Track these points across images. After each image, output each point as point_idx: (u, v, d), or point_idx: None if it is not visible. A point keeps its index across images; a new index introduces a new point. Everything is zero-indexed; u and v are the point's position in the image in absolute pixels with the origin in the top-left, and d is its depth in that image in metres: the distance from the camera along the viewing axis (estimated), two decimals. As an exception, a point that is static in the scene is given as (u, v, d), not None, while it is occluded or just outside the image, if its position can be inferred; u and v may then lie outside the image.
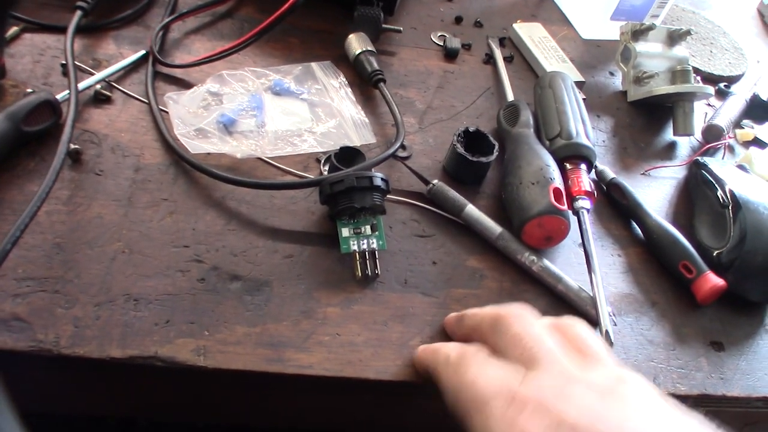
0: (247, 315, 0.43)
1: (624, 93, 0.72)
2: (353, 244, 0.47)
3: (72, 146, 0.48)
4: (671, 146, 0.69)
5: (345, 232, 0.47)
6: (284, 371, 0.41)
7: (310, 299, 0.45)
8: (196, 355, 0.40)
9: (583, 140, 0.56)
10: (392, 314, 0.46)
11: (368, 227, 0.48)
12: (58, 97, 0.50)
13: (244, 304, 0.44)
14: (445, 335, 0.46)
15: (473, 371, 0.37)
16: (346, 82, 0.60)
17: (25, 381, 0.45)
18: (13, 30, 0.56)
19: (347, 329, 0.44)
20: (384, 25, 0.65)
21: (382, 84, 0.59)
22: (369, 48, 0.62)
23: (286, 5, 0.56)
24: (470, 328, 0.42)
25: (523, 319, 0.39)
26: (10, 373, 0.42)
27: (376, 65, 0.60)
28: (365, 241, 0.47)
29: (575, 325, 0.40)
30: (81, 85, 0.52)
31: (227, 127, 0.53)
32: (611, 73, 0.75)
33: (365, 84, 0.61)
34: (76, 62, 0.53)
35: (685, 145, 0.69)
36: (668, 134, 0.69)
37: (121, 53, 0.58)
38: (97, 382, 0.45)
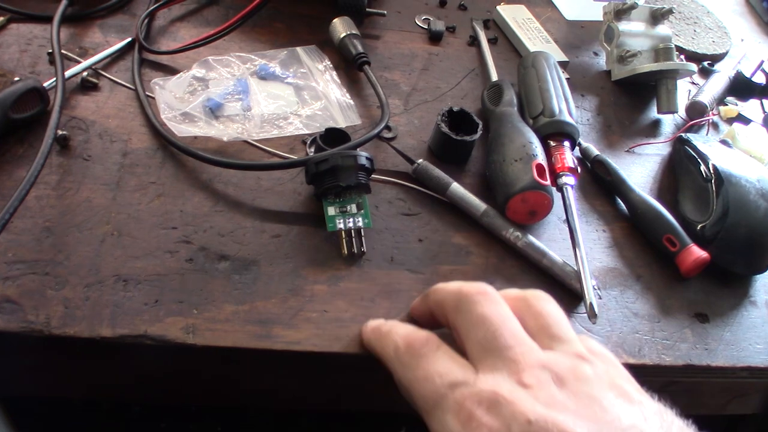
0: (236, 293, 0.44)
1: (608, 72, 0.73)
2: (339, 223, 0.48)
3: (60, 132, 0.49)
4: (655, 124, 0.69)
5: (331, 210, 0.48)
6: (273, 347, 0.42)
7: (298, 277, 0.46)
8: (186, 333, 0.41)
9: (566, 117, 0.57)
10: (379, 291, 0.46)
11: (354, 206, 0.48)
12: (45, 84, 0.51)
13: (233, 283, 0.44)
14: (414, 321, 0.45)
15: (424, 366, 0.35)
16: (332, 66, 0.61)
17: (19, 366, 0.46)
18: (-1, 20, 0.57)
19: (334, 306, 0.45)
20: (368, 9, 0.66)
21: (366, 66, 0.60)
22: (353, 31, 0.62)
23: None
24: (435, 303, 0.40)
25: (488, 298, 0.37)
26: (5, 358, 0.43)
27: (360, 48, 0.61)
28: (351, 219, 0.48)
29: (540, 300, 0.38)
30: (68, 73, 0.53)
31: (213, 111, 0.53)
32: (595, 53, 0.75)
33: (350, 67, 0.62)
34: (62, 51, 0.53)
35: (669, 123, 0.70)
36: (652, 112, 0.70)
37: (107, 41, 0.58)
38: (88, 365, 0.45)
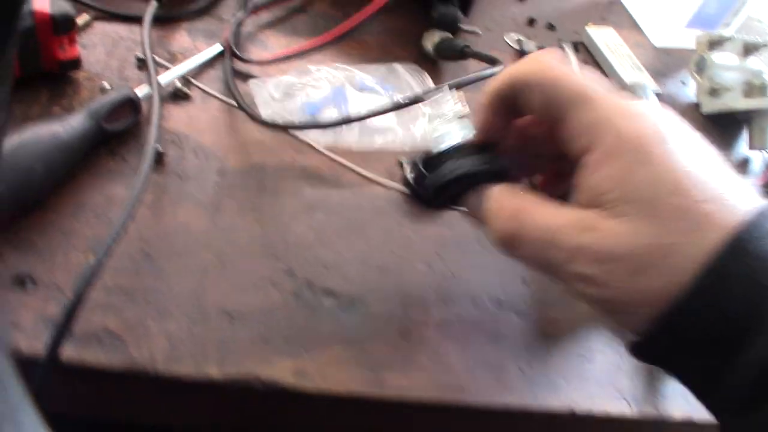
0: (344, 334, 0.41)
1: (696, 104, 0.70)
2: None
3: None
4: (745, 162, 0.67)
5: None
6: (384, 394, 0.39)
7: (405, 318, 0.43)
8: (297, 376, 0.39)
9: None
10: (487, 337, 0.44)
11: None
12: (137, 92, 0.48)
13: (340, 322, 0.42)
14: None
15: None
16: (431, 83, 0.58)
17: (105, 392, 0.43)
18: (84, 18, 0.54)
19: (444, 350, 0.42)
20: (462, 26, 0.63)
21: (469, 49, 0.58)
22: (448, 36, 0.60)
23: (375, 6, 0.53)
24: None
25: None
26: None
27: (462, 42, 0.59)
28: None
29: None
30: (161, 81, 0.50)
31: (313, 116, 0.50)
32: (683, 83, 0.72)
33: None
34: (153, 56, 0.51)
35: (758, 160, 0.67)
36: (741, 148, 0.68)
37: (195, 46, 0.55)
38: (184, 399, 0.43)
